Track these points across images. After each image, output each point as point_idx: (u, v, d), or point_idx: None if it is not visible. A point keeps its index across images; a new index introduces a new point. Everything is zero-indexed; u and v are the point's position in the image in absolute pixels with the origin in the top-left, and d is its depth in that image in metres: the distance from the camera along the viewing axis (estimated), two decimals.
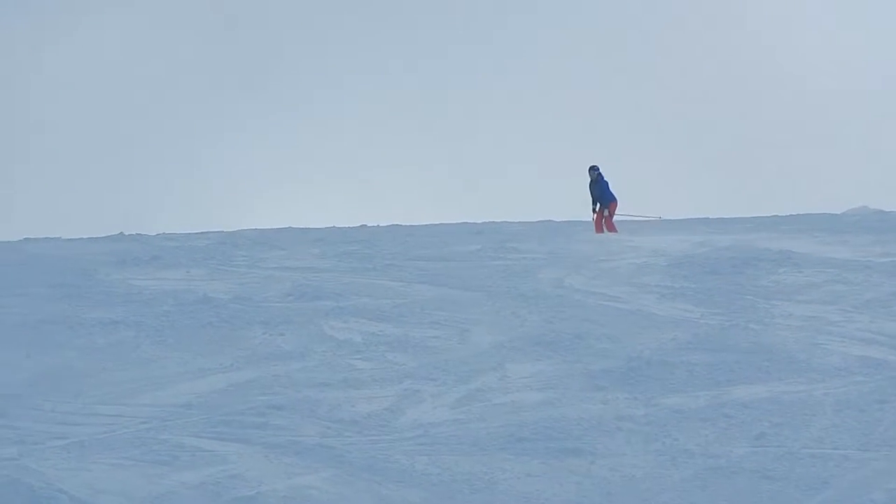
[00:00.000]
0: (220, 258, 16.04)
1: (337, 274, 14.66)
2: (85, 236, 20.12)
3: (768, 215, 25.60)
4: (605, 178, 23.01)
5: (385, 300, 12.69)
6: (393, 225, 23.88)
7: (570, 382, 9.31)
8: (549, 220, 25.15)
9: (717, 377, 9.43)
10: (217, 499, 6.77)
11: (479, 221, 23.23)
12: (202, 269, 15.00)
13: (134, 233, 20.56)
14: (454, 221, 24.82)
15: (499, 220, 24.46)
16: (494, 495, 6.96)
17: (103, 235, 20.15)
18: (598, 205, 22.92)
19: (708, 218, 25.62)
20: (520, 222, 24.45)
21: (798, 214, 25.47)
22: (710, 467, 7.31)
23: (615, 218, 23.10)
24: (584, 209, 23.31)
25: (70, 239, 19.43)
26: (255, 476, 7.10)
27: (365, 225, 23.92)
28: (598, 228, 22.92)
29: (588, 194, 23.17)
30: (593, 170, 23.12)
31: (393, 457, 7.49)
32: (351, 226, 23.76)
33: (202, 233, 21.06)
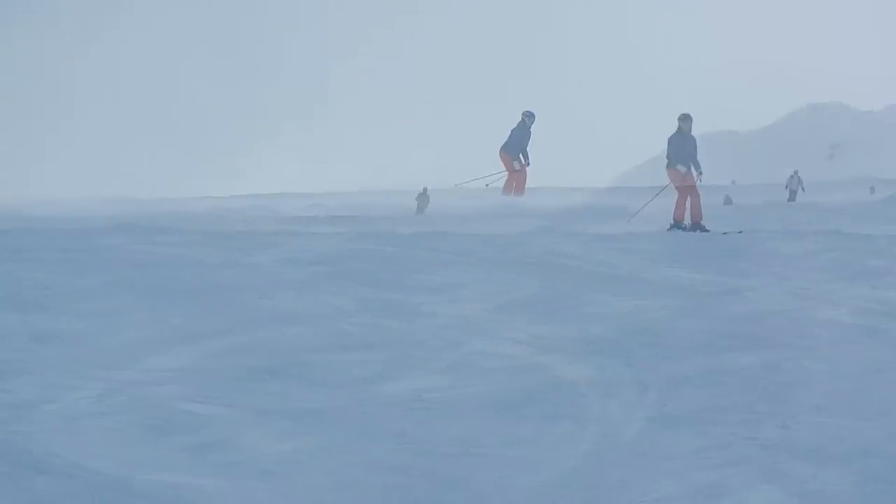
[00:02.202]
0: (215, 223, 16.01)
1: (332, 238, 14.63)
2: (83, 200, 20.09)
3: (772, 182, 25.54)
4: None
5: (380, 266, 12.67)
6: (391, 190, 23.86)
7: (563, 347, 9.29)
8: (546, 187, 25.08)
9: (712, 343, 9.41)
10: (208, 462, 6.77)
11: (475, 187, 23.16)
12: (197, 235, 14.97)
13: (131, 198, 20.56)
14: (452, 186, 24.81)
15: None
16: (486, 460, 6.95)
17: (101, 199, 20.14)
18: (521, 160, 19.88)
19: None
20: None
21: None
22: (703, 434, 7.29)
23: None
24: (582, 173, 22.81)
25: (68, 203, 19.39)
26: (245, 440, 7.09)
27: (363, 190, 23.91)
28: (523, 187, 19.99)
29: (515, 143, 19.57)
30: (531, 117, 19.72)
31: (385, 421, 7.48)
32: (349, 191, 23.75)
33: (199, 198, 21.03)
